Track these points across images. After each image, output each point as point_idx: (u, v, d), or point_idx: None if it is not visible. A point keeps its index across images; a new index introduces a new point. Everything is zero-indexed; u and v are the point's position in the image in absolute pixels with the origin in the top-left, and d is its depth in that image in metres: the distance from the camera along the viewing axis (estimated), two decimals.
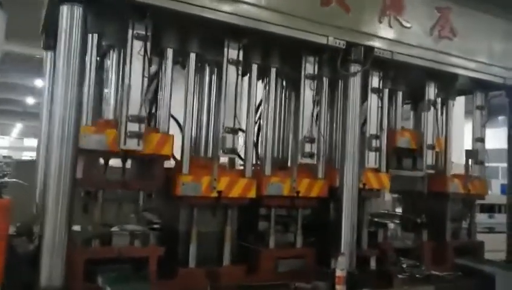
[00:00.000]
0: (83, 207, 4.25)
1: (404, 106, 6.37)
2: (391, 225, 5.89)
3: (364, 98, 5.31)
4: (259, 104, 5.39)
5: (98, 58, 4.51)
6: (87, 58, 4.15)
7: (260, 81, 5.35)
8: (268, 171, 4.89)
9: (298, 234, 5.10)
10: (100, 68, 4.69)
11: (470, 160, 6.28)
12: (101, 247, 4.09)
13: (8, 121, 38.96)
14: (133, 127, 4.04)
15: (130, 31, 4.11)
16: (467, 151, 6.42)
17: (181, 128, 4.63)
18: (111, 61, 4.62)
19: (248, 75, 4.89)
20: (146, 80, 4.15)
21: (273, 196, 4.86)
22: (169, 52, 4.42)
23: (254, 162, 5.16)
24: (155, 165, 4.30)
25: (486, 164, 6.38)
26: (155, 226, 4.71)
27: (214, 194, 4.43)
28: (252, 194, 4.64)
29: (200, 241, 4.47)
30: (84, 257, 3.95)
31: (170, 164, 4.75)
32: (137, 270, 4.13)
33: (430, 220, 6.00)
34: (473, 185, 6.17)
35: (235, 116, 4.58)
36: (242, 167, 4.86)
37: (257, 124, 5.43)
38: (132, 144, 4.04)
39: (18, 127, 42.54)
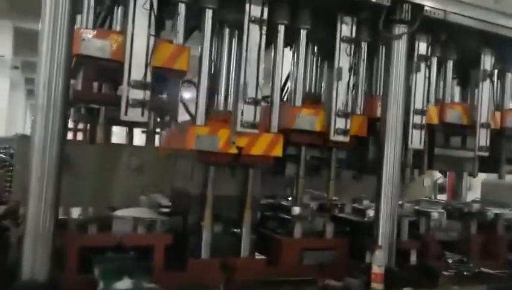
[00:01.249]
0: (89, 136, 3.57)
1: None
2: (435, 214, 5.14)
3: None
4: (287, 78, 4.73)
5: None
6: (84, 15, 3.56)
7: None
8: (299, 103, 4.28)
9: (328, 222, 4.46)
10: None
11: None
12: (98, 233, 3.55)
13: None
14: (137, 94, 3.42)
15: None
16: None
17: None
18: (115, 19, 4.00)
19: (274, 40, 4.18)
20: (152, 38, 3.53)
21: (303, 131, 4.20)
22: (182, 8, 3.77)
23: None
24: (167, 81, 3.67)
25: None
26: (164, 210, 4.11)
27: (233, 151, 3.81)
28: (278, 152, 3.96)
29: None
30: (78, 244, 3.42)
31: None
32: (143, 259, 3.57)
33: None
34: None
35: (257, 84, 3.92)
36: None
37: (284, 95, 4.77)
38: (135, 115, 3.45)
39: None
